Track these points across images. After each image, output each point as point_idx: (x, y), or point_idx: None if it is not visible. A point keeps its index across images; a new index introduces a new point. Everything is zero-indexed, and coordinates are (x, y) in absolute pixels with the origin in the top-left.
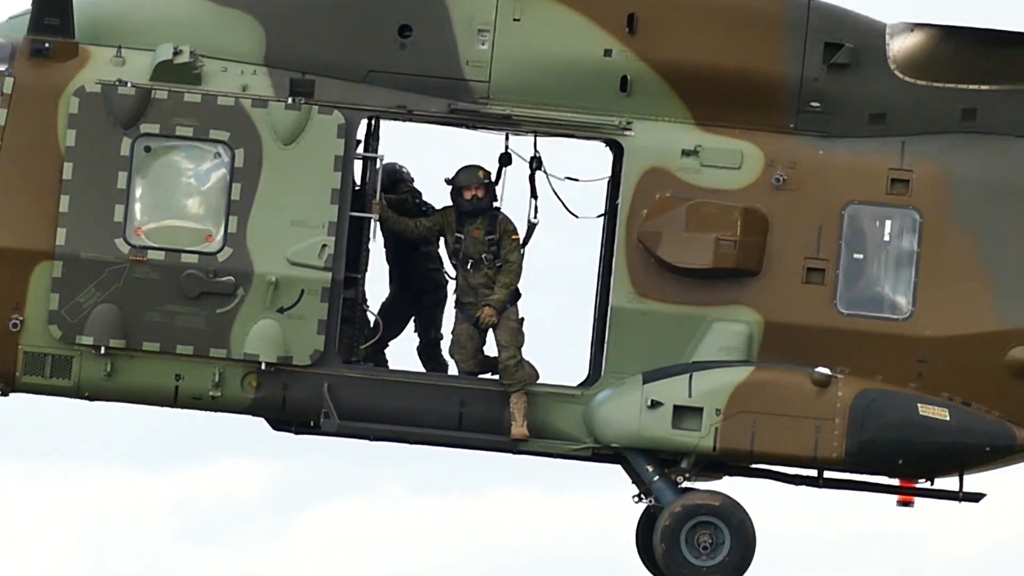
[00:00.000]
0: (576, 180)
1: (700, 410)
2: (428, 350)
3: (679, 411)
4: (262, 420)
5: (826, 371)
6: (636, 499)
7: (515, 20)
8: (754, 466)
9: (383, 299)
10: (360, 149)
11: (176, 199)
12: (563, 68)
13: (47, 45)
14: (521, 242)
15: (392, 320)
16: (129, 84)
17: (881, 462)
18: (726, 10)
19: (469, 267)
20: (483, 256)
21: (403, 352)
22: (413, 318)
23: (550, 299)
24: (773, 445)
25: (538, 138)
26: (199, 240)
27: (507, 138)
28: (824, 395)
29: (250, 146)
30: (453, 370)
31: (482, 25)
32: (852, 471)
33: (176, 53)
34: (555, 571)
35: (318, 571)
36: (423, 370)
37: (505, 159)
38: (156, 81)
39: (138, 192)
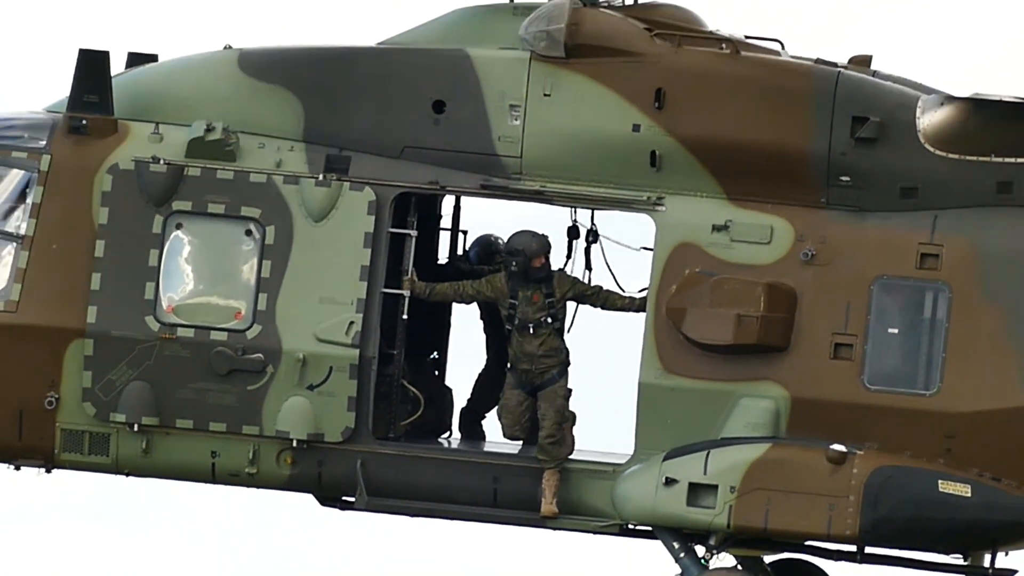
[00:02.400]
0: (652, 250)
1: (715, 487)
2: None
3: (694, 488)
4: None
5: (841, 448)
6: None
7: (545, 95)
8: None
9: (479, 369)
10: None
11: (207, 276)
12: (593, 143)
13: (84, 122)
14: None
15: (488, 390)
16: (161, 161)
17: (898, 539)
18: (753, 84)
19: (528, 332)
20: (542, 319)
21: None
22: None
23: (616, 371)
24: (787, 522)
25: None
26: (229, 317)
27: (574, 211)
28: (839, 472)
29: (281, 223)
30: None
31: (513, 100)
32: (870, 547)
33: (208, 130)
34: None
35: None
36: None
37: (573, 232)
38: (189, 158)
39: (169, 269)
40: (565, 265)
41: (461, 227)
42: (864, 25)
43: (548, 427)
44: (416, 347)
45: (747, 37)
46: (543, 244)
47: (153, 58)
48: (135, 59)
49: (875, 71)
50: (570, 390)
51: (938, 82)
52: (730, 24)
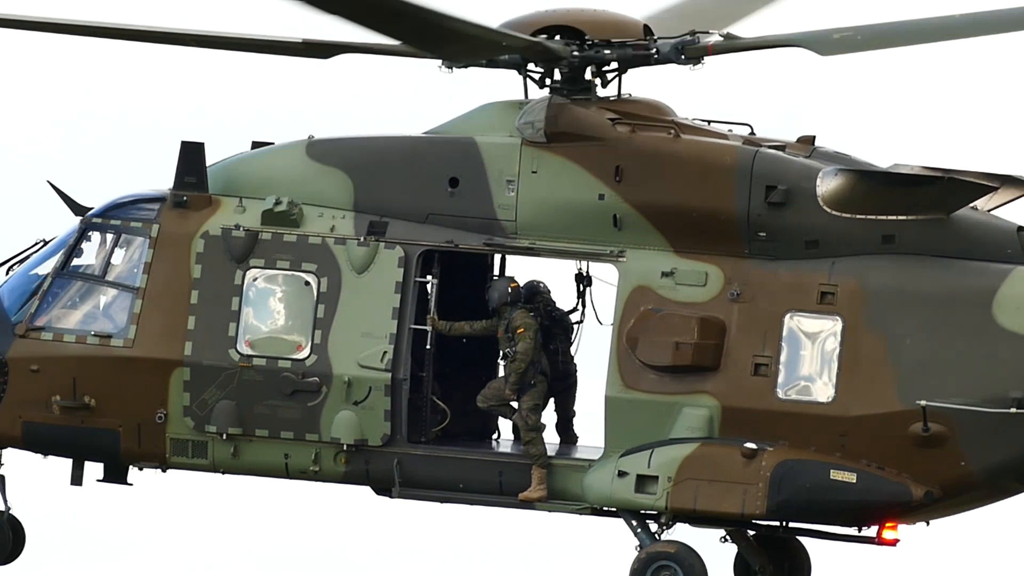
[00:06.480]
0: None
1: (656, 478)
2: (563, 425)
3: (640, 479)
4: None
5: (753, 446)
6: (723, 540)
7: (533, 172)
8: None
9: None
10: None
11: (275, 318)
12: (570, 209)
13: (185, 198)
14: (533, 334)
15: (563, 402)
16: (241, 228)
17: (798, 516)
18: (690, 162)
19: (504, 359)
20: (506, 351)
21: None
22: (552, 399)
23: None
24: (711, 504)
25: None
26: (292, 349)
27: (587, 263)
28: (751, 465)
29: (332, 275)
30: (583, 441)
31: (509, 176)
32: (775, 522)
33: (276, 203)
34: None
35: None
36: (560, 441)
37: (579, 278)
38: (263, 225)
39: (247, 312)
40: (575, 308)
41: (508, 275)
42: (820, 110)
43: (523, 435)
44: (474, 366)
45: (720, 121)
46: (487, 289)
47: (271, 144)
48: (256, 144)
49: (816, 148)
50: (535, 404)
51: (873, 155)
52: (710, 111)
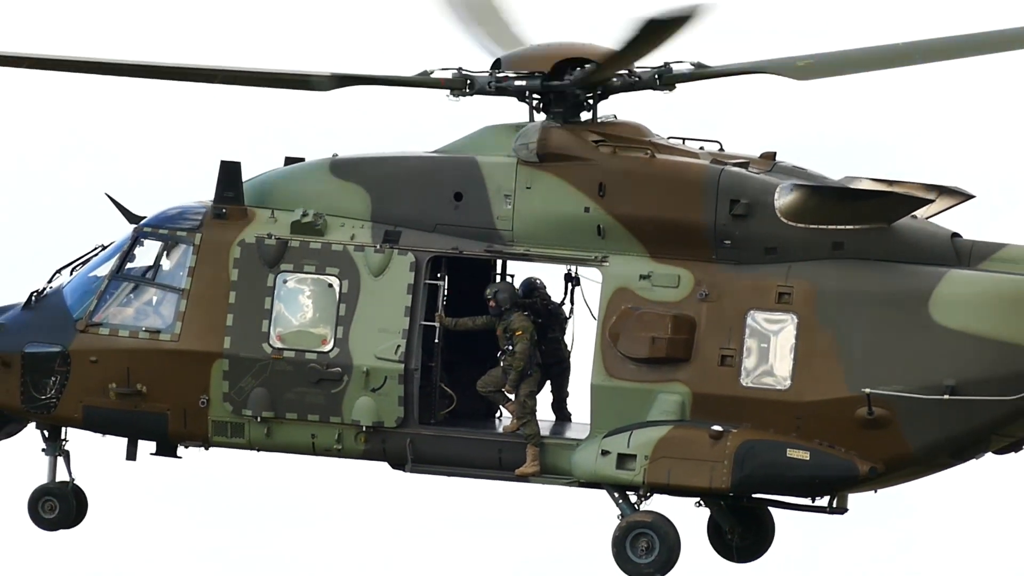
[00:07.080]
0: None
1: (635, 456)
2: (558, 404)
3: (621, 457)
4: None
5: (719, 428)
6: (697, 504)
7: (527, 188)
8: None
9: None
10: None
11: (302, 315)
12: (559, 220)
13: (224, 210)
14: (529, 335)
15: (558, 384)
16: (273, 237)
17: (759, 489)
18: (664, 179)
19: (502, 354)
20: (505, 348)
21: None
22: (548, 382)
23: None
24: (682, 479)
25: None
26: (317, 343)
27: (576, 265)
28: (717, 445)
29: (352, 278)
30: (576, 418)
31: (507, 192)
32: (739, 495)
33: (304, 215)
34: None
35: None
36: (556, 419)
37: (568, 277)
38: (292, 234)
39: (278, 311)
40: (562, 300)
41: (509, 273)
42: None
43: (517, 419)
44: (478, 356)
45: (693, 139)
46: (490, 290)
47: (303, 159)
48: (289, 160)
49: (776, 163)
50: (530, 391)
51: (829, 168)
52: (684, 128)
